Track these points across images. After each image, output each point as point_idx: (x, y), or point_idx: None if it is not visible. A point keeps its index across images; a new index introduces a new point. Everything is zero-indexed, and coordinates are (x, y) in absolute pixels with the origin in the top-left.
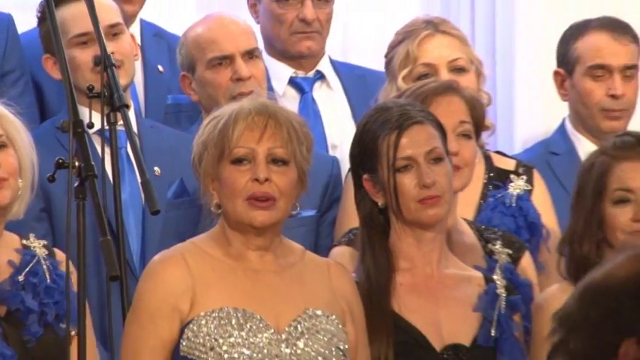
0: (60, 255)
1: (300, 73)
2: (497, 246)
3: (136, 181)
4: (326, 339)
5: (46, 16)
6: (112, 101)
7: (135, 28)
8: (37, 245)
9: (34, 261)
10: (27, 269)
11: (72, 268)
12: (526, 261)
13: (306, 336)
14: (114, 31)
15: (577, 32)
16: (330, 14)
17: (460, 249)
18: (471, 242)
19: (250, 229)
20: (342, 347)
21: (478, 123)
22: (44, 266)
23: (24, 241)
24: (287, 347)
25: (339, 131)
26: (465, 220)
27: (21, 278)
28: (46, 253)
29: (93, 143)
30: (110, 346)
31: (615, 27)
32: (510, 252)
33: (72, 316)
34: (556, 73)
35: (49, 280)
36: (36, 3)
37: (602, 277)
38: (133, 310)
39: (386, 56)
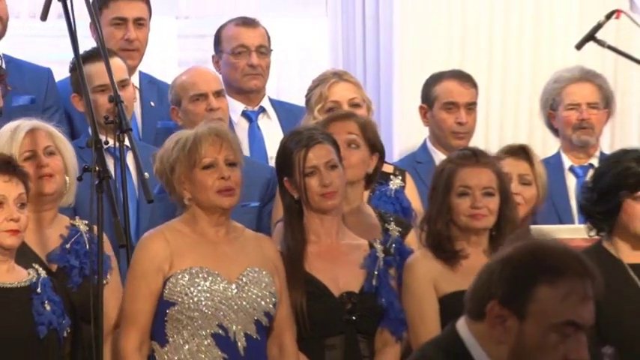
0: (95, 230)
1: (249, 108)
2: (392, 225)
3: (132, 182)
4: (262, 286)
5: (75, 69)
6: (120, 126)
7: (135, 77)
8: (81, 224)
9: (78, 235)
10: (72, 240)
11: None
12: (411, 236)
13: (249, 284)
14: (122, 84)
15: (435, 79)
16: (269, 63)
17: (366, 226)
18: (374, 222)
19: (218, 211)
20: (272, 291)
21: (372, 138)
22: (85, 238)
23: (71, 221)
24: (236, 292)
25: (276, 148)
26: (369, 205)
27: (67, 246)
28: (87, 229)
29: (103, 155)
30: None
31: (461, 76)
32: (400, 230)
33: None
34: (421, 108)
35: (87, 247)
36: (69, 59)
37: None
38: (130, 270)
39: (306, 96)
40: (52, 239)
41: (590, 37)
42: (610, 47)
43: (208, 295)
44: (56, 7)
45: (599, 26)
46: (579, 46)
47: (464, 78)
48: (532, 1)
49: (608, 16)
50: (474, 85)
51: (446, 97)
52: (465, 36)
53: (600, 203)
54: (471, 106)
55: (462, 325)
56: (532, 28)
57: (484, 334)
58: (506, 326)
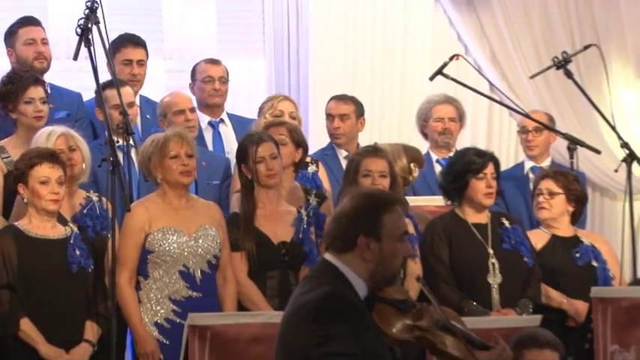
0: (104, 201)
1: (213, 119)
2: (312, 197)
3: (135, 168)
4: (210, 238)
5: (98, 92)
6: (127, 131)
7: (137, 98)
8: (94, 196)
9: (91, 203)
10: (87, 207)
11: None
12: (326, 205)
13: (202, 237)
14: (130, 105)
15: (327, 101)
16: (227, 88)
17: (294, 197)
18: (300, 195)
19: (180, 186)
20: (218, 241)
21: (297, 138)
22: (96, 205)
23: (87, 194)
24: (194, 242)
25: (231, 147)
26: (299, 184)
27: (85, 211)
28: (98, 199)
29: (115, 150)
30: None
31: (339, 97)
32: (318, 200)
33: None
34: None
35: (98, 212)
36: (92, 86)
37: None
38: (122, 229)
39: (260, 108)
40: (74, 206)
41: (439, 72)
42: (452, 79)
43: (175, 245)
44: (84, 51)
45: (444, 65)
46: (432, 78)
47: (340, 98)
48: (401, 46)
49: (450, 58)
50: (350, 102)
51: (327, 110)
52: (359, 68)
53: (454, 182)
54: (344, 117)
55: (330, 257)
56: (401, 64)
57: (351, 259)
58: (371, 249)
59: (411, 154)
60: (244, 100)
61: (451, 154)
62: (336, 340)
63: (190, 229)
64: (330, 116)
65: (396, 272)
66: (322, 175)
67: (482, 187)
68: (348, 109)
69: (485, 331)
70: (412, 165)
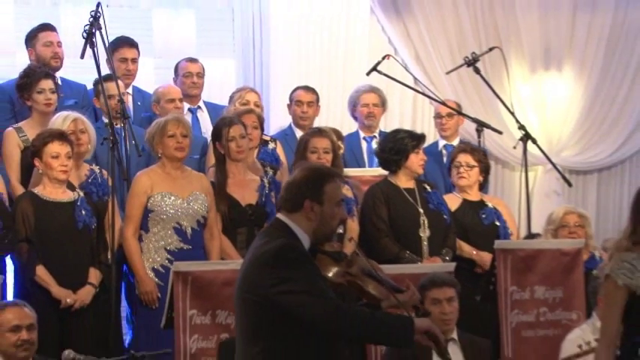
0: (104, 172)
1: (192, 106)
2: (268, 168)
3: (129, 145)
4: (200, 202)
5: (97, 84)
6: (123, 115)
7: (130, 89)
8: (96, 168)
9: (94, 174)
10: (91, 177)
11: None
12: (280, 174)
13: (193, 200)
14: (124, 94)
15: (292, 91)
16: (203, 82)
17: (255, 169)
18: (259, 167)
19: (176, 159)
20: (206, 204)
21: (261, 123)
22: (98, 176)
23: (91, 167)
24: (187, 205)
25: (207, 128)
26: (258, 160)
27: (89, 180)
28: (99, 171)
29: (114, 131)
30: None
31: (306, 88)
32: (273, 170)
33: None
34: (288, 105)
35: (99, 181)
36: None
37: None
38: (130, 191)
39: (230, 97)
40: (80, 176)
41: (374, 69)
42: (384, 74)
43: (171, 206)
44: (88, 51)
45: (378, 63)
46: (368, 74)
47: (307, 88)
48: (343, 48)
49: (383, 58)
50: (313, 92)
51: (296, 98)
52: (310, 66)
53: (397, 155)
54: (310, 103)
55: (282, 217)
56: (344, 63)
57: (298, 218)
58: (314, 211)
59: (337, 134)
60: (218, 91)
61: (375, 133)
62: (291, 281)
63: (184, 194)
64: (299, 102)
65: (334, 230)
66: (280, 151)
67: (418, 159)
68: (313, 97)
69: (415, 276)
70: (339, 142)
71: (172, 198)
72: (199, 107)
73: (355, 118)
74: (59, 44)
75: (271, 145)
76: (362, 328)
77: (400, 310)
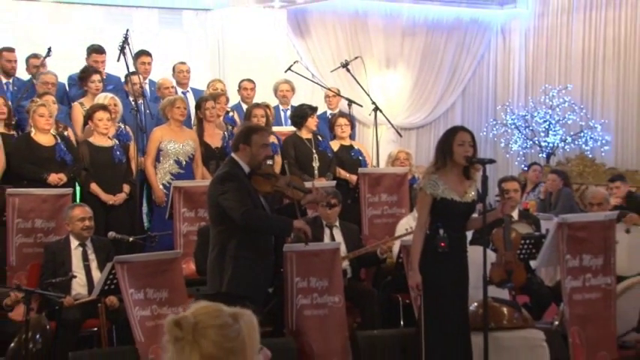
0: (128, 127)
1: (184, 90)
2: (229, 126)
3: (146, 113)
4: (190, 146)
5: (127, 76)
6: (142, 94)
7: (146, 80)
8: (122, 125)
9: (121, 129)
10: (119, 131)
11: None
12: (235, 129)
13: (186, 145)
14: (142, 85)
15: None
16: (189, 76)
17: (221, 127)
18: (224, 126)
19: (179, 121)
20: (194, 147)
21: (226, 101)
22: (124, 131)
23: (119, 125)
24: (182, 147)
25: (192, 104)
26: (223, 121)
27: (118, 132)
28: (124, 127)
29: (138, 103)
30: None
31: (248, 80)
32: (232, 127)
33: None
34: (239, 90)
35: (125, 132)
36: (124, 73)
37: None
38: (149, 138)
39: (207, 85)
40: (113, 131)
41: (289, 69)
42: (296, 72)
43: (173, 148)
44: (121, 57)
45: (291, 65)
46: (285, 72)
47: (249, 80)
48: (269, 57)
49: (294, 62)
50: (253, 82)
51: (243, 86)
52: (251, 67)
53: (301, 119)
54: (251, 89)
55: (232, 154)
56: (270, 67)
57: (239, 155)
58: (246, 150)
59: (268, 107)
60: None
61: (288, 107)
62: (226, 192)
63: (181, 141)
64: (245, 89)
65: (261, 162)
66: (235, 116)
67: (313, 121)
68: (252, 85)
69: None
70: (270, 111)
71: (173, 143)
72: (188, 91)
73: (277, 98)
74: (104, 61)
75: (230, 114)
76: (260, 223)
77: (313, 205)
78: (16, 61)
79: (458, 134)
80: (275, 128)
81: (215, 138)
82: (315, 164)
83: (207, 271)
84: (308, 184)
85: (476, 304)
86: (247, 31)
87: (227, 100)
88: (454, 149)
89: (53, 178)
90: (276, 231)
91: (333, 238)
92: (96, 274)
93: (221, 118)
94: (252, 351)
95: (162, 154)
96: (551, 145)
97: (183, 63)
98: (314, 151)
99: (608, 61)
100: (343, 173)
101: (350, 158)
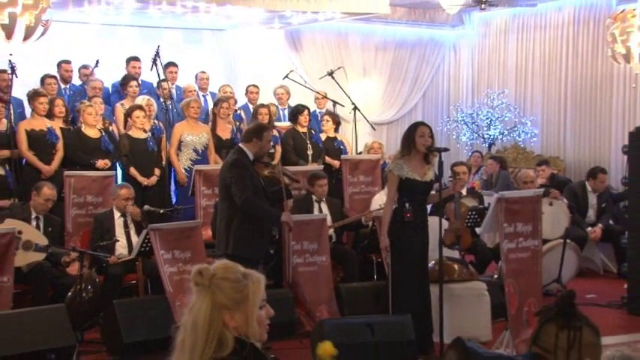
0: (160, 123)
1: (204, 93)
2: (237, 122)
3: (173, 111)
4: (205, 137)
5: (158, 82)
6: (170, 97)
7: (175, 86)
8: (156, 122)
9: (155, 125)
10: (154, 126)
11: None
12: (244, 126)
13: (202, 136)
14: (169, 87)
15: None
16: (209, 82)
17: (232, 123)
18: (233, 122)
19: (195, 116)
20: (208, 138)
21: (235, 102)
22: (157, 125)
23: (154, 121)
24: (198, 139)
25: (210, 105)
26: (233, 119)
27: (153, 127)
28: (158, 123)
29: (167, 104)
30: None
31: (226, 84)
32: (238, 123)
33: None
34: (246, 94)
35: (158, 127)
36: (156, 80)
37: (249, 125)
38: (172, 132)
39: (219, 89)
40: (147, 126)
41: (286, 76)
42: (291, 79)
43: (191, 140)
44: (153, 68)
45: (288, 74)
46: (283, 79)
47: (254, 85)
48: (268, 66)
49: (290, 71)
50: (257, 87)
51: (249, 90)
52: (259, 75)
53: (296, 115)
54: (256, 93)
55: (241, 145)
56: (269, 75)
57: (248, 145)
58: (257, 143)
59: (272, 106)
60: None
61: (285, 107)
62: (234, 177)
63: (197, 133)
64: (251, 92)
65: (266, 152)
66: (243, 114)
67: (303, 118)
68: (257, 90)
69: (304, 172)
70: (273, 109)
71: (191, 135)
72: (207, 94)
73: (275, 99)
74: (140, 67)
75: (239, 112)
76: (255, 211)
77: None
78: (72, 70)
79: (419, 128)
80: (277, 124)
81: (225, 131)
82: (310, 152)
83: (216, 236)
84: (301, 169)
85: (433, 262)
86: (253, 47)
87: (235, 101)
88: (416, 140)
89: (100, 163)
90: (266, 220)
91: (320, 211)
92: (134, 239)
93: (231, 116)
94: (254, 305)
95: (183, 145)
96: (492, 137)
97: (203, 72)
98: (308, 142)
99: (536, 71)
100: (329, 159)
101: (334, 147)
